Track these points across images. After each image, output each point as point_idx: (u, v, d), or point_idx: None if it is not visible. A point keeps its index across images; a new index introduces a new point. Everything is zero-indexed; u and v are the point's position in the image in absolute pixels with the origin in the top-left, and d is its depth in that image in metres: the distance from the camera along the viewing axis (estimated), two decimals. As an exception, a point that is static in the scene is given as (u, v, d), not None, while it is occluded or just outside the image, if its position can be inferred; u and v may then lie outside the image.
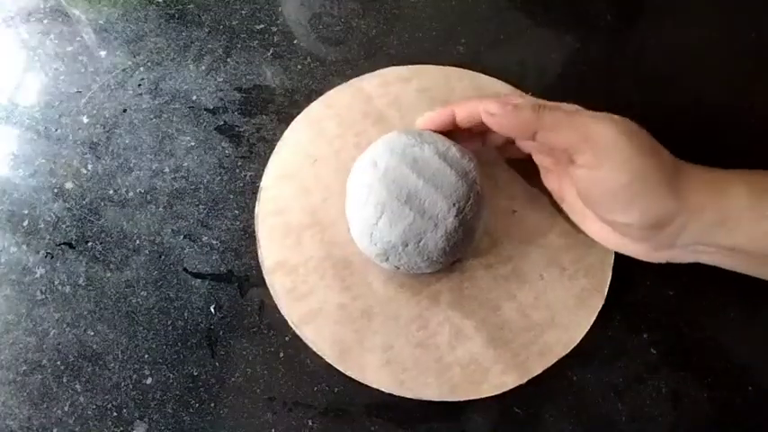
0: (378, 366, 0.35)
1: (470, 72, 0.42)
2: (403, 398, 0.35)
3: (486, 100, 0.33)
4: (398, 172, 0.33)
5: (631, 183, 0.30)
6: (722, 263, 0.32)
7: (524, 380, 0.35)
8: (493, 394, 0.35)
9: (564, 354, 0.35)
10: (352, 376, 0.35)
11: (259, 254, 0.37)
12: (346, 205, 0.35)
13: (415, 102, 0.41)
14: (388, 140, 0.35)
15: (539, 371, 0.35)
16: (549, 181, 0.37)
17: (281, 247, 0.37)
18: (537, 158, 0.36)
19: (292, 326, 0.36)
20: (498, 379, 0.35)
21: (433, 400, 0.34)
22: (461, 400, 0.34)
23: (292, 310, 0.36)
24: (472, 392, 0.35)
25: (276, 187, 0.39)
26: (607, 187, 0.31)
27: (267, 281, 0.37)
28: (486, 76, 0.42)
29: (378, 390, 0.35)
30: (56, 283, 0.38)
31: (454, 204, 0.32)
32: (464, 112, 0.34)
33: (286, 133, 0.41)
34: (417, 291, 0.36)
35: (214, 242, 0.39)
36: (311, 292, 0.36)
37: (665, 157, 0.31)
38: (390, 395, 0.35)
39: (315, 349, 0.35)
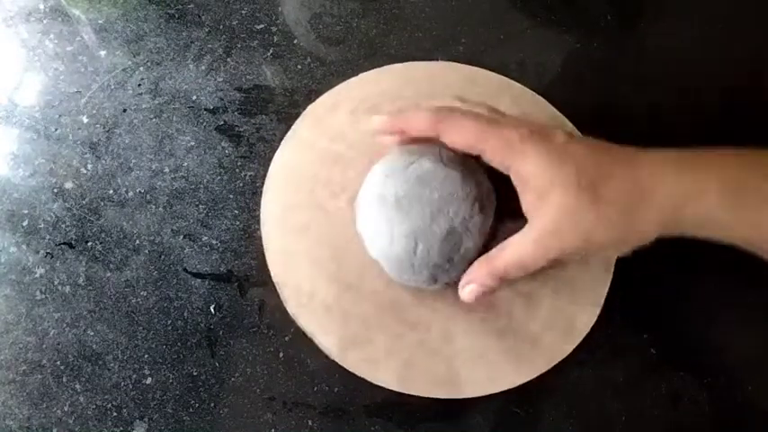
0: (382, 364, 0.35)
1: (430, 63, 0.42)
2: (403, 398, 0.35)
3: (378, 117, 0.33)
4: (411, 195, 0.32)
5: (560, 230, 0.29)
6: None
7: (527, 378, 0.35)
8: (497, 391, 0.35)
9: (569, 350, 0.35)
10: (357, 373, 0.35)
11: (264, 247, 0.37)
12: (368, 248, 0.35)
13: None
14: (383, 170, 0.34)
15: (543, 369, 0.35)
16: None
17: (286, 242, 0.37)
18: None
19: (296, 321, 0.36)
20: (503, 378, 0.35)
21: (438, 397, 0.34)
22: (462, 397, 0.34)
23: (296, 306, 0.36)
24: (480, 390, 0.34)
25: (278, 189, 0.39)
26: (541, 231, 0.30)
27: (272, 274, 0.37)
28: (444, 62, 0.43)
29: (378, 389, 0.35)
30: (56, 282, 0.38)
31: (474, 202, 0.32)
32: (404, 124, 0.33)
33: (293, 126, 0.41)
34: (421, 289, 0.36)
35: (214, 242, 0.39)
36: (315, 289, 0.36)
37: (603, 156, 0.30)
38: (390, 395, 0.35)
39: (318, 344, 0.35)
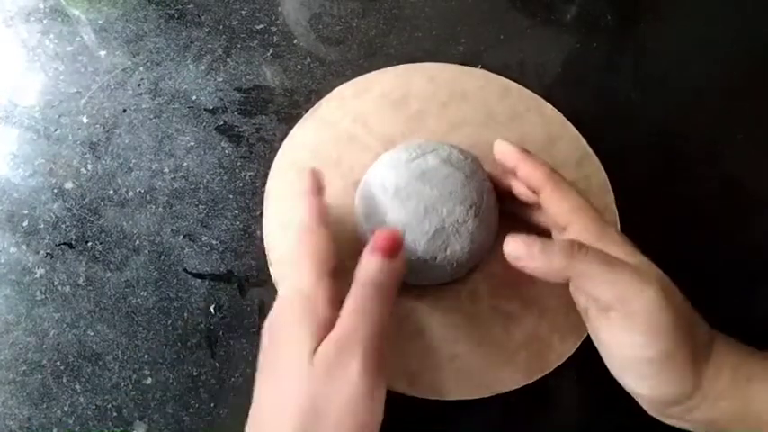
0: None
1: (423, 65, 0.42)
2: (403, 398, 0.35)
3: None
4: (410, 188, 0.32)
5: (655, 360, 0.27)
6: None
7: (529, 381, 0.35)
8: (497, 393, 0.34)
9: (569, 354, 0.35)
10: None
11: (265, 245, 0.37)
12: (359, 233, 0.35)
13: (379, 110, 0.41)
14: (389, 160, 0.34)
15: (543, 373, 0.35)
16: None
17: (287, 241, 0.37)
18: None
19: None
20: (505, 378, 0.34)
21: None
22: (454, 399, 0.34)
23: None
24: (470, 393, 0.34)
25: (280, 188, 0.39)
26: (628, 354, 0.28)
27: (272, 272, 0.36)
28: (437, 64, 0.42)
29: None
30: (56, 283, 0.38)
31: (471, 207, 0.32)
32: (524, 174, 0.33)
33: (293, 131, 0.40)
34: (420, 292, 0.36)
35: (214, 242, 0.39)
36: None
37: (700, 334, 0.28)
38: (390, 395, 0.35)
39: None
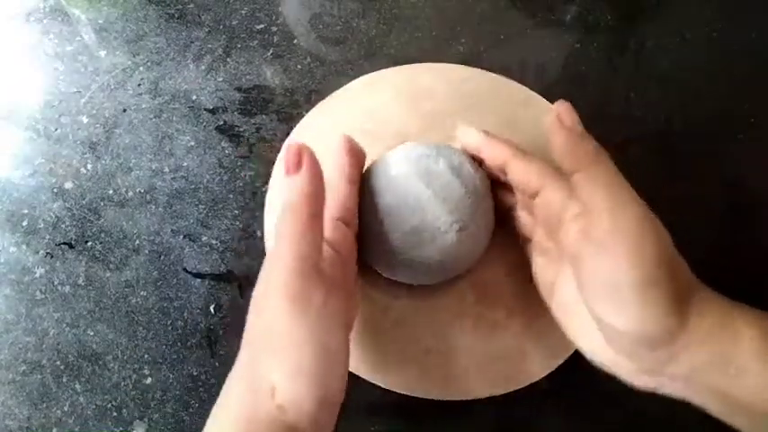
0: (383, 365, 0.35)
1: (436, 65, 0.42)
2: (403, 398, 0.35)
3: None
4: (409, 180, 0.32)
5: (642, 283, 0.25)
6: (712, 408, 0.27)
7: (524, 384, 0.35)
8: (483, 396, 0.35)
9: (567, 355, 0.35)
10: (351, 370, 0.35)
11: (265, 243, 0.37)
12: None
13: (395, 106, 0.41)
14: (406, 149, 0.34)
15: (541, 375, 0.35)
16: (544, 272, 0.32)
17: None
18: (536, 243, 0.33)
19: None
20: (495, 385, 0.35)
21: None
22: (450, 399, 0.34)
23: None
24: (464, 394, 0.34)
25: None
26: (613, 278, 0.26)
27: None
28: (450, 65, 0.42)
29: (378, 389, 0.35)
30: (55, 282, 0.38)
31: (457, 221, 0.32)
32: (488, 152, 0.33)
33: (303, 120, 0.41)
34: (419, 294, 0.36)
35: (214, 242, 0.39)
36: None
37: (683, 271, 0.27)
38: (390, 395, 0.35)
39: None
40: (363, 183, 0.35)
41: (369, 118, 0.40)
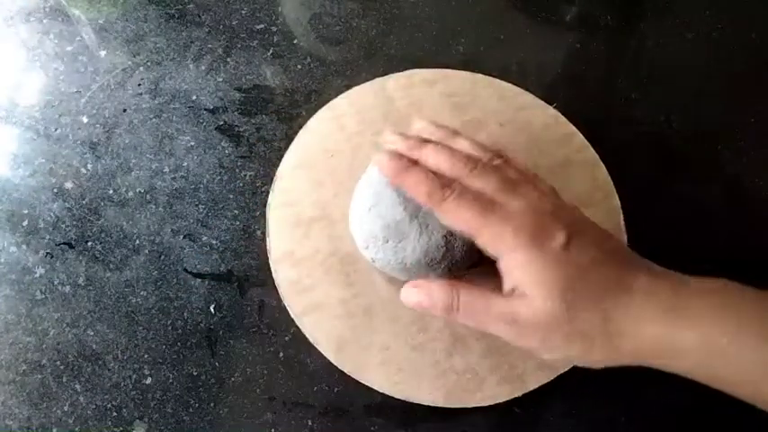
0: (374, 365, 0.35)
1: (497, 81, 0.42)
2: (402, 405, 0.35)
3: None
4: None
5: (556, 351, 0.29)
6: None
7: (519, 393, 0.35)
8: (485, 404, 0.34)
9: (563, 370, 0.35)
10: (348, 372, 0.35)
11: (267, 242, 0.37)
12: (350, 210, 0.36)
13: (438, 106, 0.41)
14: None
15: (534, 386, 0.35)
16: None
17: (290, 238, 0.37)
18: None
19: (293, 317, 0.36)
20: (492, 390, 0.35)
21: (423, 403, 0.34)
22: (452, 407, 0.34)
23: (294, 301, 0.36)
24: (465, 401, 0.34)
25: (291, 178, 0.39)
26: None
27: (273, 269, 0.37)
28: (512, 86, 0.42)
29: (378, 391, 0.35)
30: (55, 282, 0.38)
31: (446, 236, 0.32)
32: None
33: (308, 123, 0.41)
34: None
35: (214, 242, 0.39)
36: (315, 285, 0.36)
37: (607, 280, 0.29)
38: (391, 395, 0.35)
39: (312, 341, 0.35)
40: (366, 171, 0.35)
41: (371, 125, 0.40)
